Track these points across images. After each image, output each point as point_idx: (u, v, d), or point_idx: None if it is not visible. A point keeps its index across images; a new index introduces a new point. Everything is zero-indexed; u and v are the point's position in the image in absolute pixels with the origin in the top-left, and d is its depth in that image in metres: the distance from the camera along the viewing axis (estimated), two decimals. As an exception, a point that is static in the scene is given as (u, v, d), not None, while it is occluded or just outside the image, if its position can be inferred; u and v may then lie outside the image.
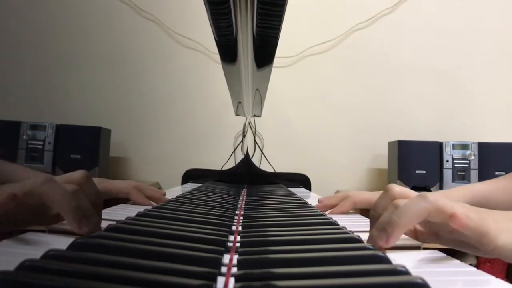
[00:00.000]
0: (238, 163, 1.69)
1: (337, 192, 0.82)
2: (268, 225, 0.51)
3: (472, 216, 0.39)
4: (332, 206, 0.78)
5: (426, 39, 2.07)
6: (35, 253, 0.29)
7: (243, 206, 0.75)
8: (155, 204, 0.76)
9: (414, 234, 0.45)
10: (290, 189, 1.25)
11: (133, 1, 2.07)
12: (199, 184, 1.35)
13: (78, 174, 0.48)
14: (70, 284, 0.24)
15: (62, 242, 0.34)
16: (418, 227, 0.48)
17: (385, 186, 0.52)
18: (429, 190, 1.65)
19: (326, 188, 1.85)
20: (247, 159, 1.65)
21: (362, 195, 0.76)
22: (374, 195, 0.74)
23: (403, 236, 0.44)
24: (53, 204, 0.41)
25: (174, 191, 1.09)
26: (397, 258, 0.39)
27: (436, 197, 0.41)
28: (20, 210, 0.41)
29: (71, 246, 0.32)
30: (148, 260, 0.30)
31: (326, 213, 0.76)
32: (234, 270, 0.32)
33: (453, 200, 0.55)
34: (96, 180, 0.72)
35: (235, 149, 2.02)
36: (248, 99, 1.07)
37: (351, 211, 0.80)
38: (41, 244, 0.37)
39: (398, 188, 0.48)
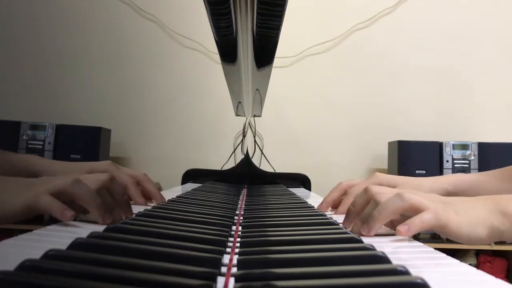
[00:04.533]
0: (238, 163, 1.69)
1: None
2: (268, 225, 0.51)
3: (431, 217, 0.47)
4: (332, 200, 0.79)
5: (426, 39, 2.07)
6: (35, 253, 0.29)
7: (243, 206, 0.75)
8: (150, 204, 0.76)
9: (390, 223, 0.53)
10: (290, 189, 1.25)
11: (133, 1, 2.07)
12: (199, 184, 1.34)
13: (104, 176, 0.56)
14: (70, 284, 0.24)
15: (62, 242, 0.34)
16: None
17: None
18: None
19: (326, 188, 1.84)
20: (247, 159, 1.65)
21: (356, 181, 0.79)
22: (369, 180, 0.77)
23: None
24: (81, 202, 0.50)
25: (174, 191, 1.09)
26: (396, 257, 0.39)
27: (411, 196, 0.49)
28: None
29: (71, 246, 0.32)
30: (148, 260, 0.30)
31: (328, 211, 0.76)
32: (234, 270, 0.32)
33: (437, 186, 0.72)
34: (104, 163, 0.75)
35: (235, 149, 2.02)
36: (248, 99, 1.07)
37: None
38: (41, 244, 0.37)
39: (375, 189, 0.55)
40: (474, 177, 0.76)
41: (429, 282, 0.26)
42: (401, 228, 0.47)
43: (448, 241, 1.53)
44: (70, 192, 0.49)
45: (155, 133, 2.05)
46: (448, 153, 1.73)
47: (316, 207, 0.75)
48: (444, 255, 0.40)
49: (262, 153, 2.02)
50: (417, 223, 0.46)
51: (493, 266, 1.74)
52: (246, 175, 1.55)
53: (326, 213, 0.70)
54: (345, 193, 0.77)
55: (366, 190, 0.57)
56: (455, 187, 0.73)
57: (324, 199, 0.79)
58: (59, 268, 0.26)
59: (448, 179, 0.76)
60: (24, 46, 2.08)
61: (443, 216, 0.47)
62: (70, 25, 2.08)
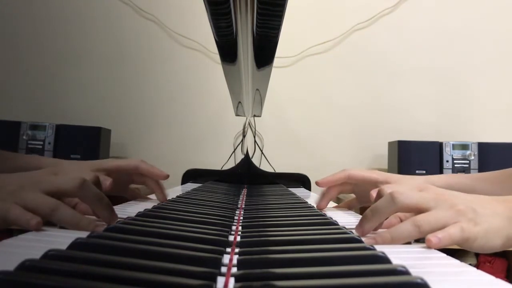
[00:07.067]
0: (238, 163, 1.69)
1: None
2: (268, 225, 0.51)
3: (457, 232, 0.43)
4: (330, 182, 0.78)
5: (426, 39, 2.07)
6: (35, 253, 0.29)
7: (243, 206, 0.75)
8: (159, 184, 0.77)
9: (397, 219, 0.52)
10: (290, 189, 1.25)
11: (133, 1, 2.07)
12: (199, 184, 1.35)
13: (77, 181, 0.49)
14: (70, 284, 0.24)
15: (62, 242, 0.34)
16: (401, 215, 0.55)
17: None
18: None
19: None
20: (247, 159, 1.65)
21: (359, 170, 0.77)
22: (372, 174, 0.75)
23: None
24: (89, 202, 0.49)
25: (174, 191, 1.09)
26: (396, 257, 0.39)
27: (403, 199, 0.46)
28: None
29: (71, 246, 0.32)
30: (148, 260, 0.30)
31: (327, 209, 0.76)
32: (234, 270, 0.32)
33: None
34: (103, 161, 0.75)
35: (235, 149, 2.02)
36: (248, 99, 1.07)
37: (350, 209, 0.80)
38: (41, 244, 0.37)
39: (406, 200, 0.48)
40: (469, 182, 0.72)
41: (429, 282, 0.26)
42: (432, 238, 0.43)
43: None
44: (73, 194, 0.48)
45: (155, 133, 2.05)
46: (448, 153, 1.73)
47: (315, 206, 0.75)
48: (444, 255, 0.40)
49: (262, 153, 2.02)
50: (447, 239, 0.44)
51: (493, 266, 1.74)
52: (246, 175, 1.55)
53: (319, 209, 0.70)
54: (346, 180, 0.77)
55: (394, 200, 0.50)
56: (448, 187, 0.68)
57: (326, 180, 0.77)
58: (59, 268, 0.26)
59: (440, 179, 0.73)
60: (24, 46, 2.08)
61: (467, 231, 0.44)
62: (70, 25, 2.08)
